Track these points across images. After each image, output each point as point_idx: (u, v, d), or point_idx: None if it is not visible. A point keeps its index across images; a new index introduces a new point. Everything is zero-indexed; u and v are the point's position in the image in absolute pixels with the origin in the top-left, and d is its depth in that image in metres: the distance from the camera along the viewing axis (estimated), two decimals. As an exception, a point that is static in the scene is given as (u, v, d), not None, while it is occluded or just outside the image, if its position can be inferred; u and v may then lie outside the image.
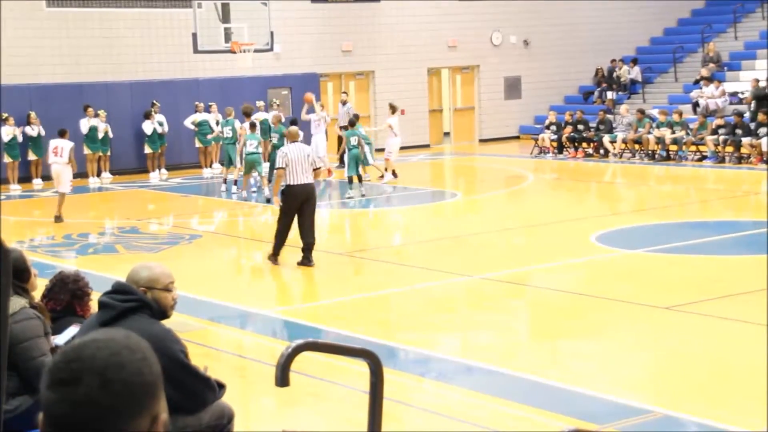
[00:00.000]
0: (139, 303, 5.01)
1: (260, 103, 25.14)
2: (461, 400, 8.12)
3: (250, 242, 16.98)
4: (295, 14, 29.01)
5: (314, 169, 13.57)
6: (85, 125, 24.91)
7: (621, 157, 26.85)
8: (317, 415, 7.93)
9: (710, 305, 10.79)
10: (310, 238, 13.51)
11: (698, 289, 11.62)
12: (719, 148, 24.81)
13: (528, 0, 33.00)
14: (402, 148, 25.61)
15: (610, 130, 27.56)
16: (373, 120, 30.13)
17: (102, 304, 5.04)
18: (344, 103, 26.83)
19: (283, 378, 4.37)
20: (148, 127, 25.82)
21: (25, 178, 24.52)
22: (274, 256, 13.76)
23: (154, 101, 26.32)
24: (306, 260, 13.54)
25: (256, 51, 24.03)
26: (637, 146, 26.76)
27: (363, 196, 20.86)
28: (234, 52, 23.84)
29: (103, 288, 5.26)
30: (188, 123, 26.33)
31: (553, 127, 28.58)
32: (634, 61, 32.66)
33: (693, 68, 31.31)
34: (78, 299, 6.52)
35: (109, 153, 25.72)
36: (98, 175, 25.46)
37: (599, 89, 32.63)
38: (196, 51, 24.05)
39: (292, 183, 13.34)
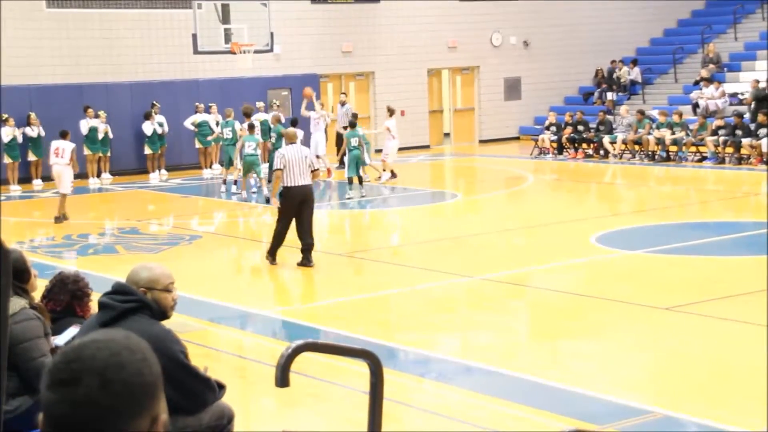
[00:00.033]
0: (139, 304, 5.01)
1: (260, 104, 25.15)
2: (461, 401, 8.12)
3: (250, 243, 16.98)
4: (295, 15, 29.02)
5: (313, 171, 13.56)
6: (85, 126, 24.92)
7: (621, 157, 26.85)
8: (317, 415, 7.93)
9: (710, 306, 10.80)
10: (309, 239, 13.51)
11: (698, 290, 11.63)
12: (719, 149, 24.81)
13: (528, 0, 33.00)
14: (402, 148, 25.62)
15: (610, 130, 27.57)
16: (373, 121, 30.13)
17: (102, 305, 5.04)
18: (343, 103, 26.86)
19: (283, 378, 4.37)
20: (148, 127, 25.83)
21: (25, 179, 24.52)
22: (271, 257, 13.77)
23: (154, 102, 26.32)
24: (306, 261, 13.54)
25: (256, 52, 24.04)
26: (637, 147, 26.77)
27: (363, 196, 20.86)
28: (234, 53, 23.84)
29: (103, 288, 5.26)
30: (188, 124, 26.33)
31: (553, 128, 28.59)
32: (634, 62, 32.66)
33: (693, 69, 31.32)
34: (78, 300, 6.52)
35: (109, 154, 25.72)
36: (98, 175, 25.47)
37: (599, 90, 32.63)
38: (196, 52, 24.07)
39: (289, 185, 13.34)
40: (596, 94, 32.62)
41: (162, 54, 27.25)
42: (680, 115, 26.39)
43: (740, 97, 27.94)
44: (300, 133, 20.78)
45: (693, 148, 25.63)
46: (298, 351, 4.43)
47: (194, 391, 5.13)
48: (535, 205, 20.06)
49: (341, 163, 23.73)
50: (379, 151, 25.06)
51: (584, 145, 28.02)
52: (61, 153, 18.16)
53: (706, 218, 17.86)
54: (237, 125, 22.66)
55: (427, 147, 31.66)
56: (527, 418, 7.59)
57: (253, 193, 21.60)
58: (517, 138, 33.11)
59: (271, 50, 25.20)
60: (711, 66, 30.12)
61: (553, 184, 24.03)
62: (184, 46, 25.88)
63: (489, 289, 12.33)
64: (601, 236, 15.27)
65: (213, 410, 5.30)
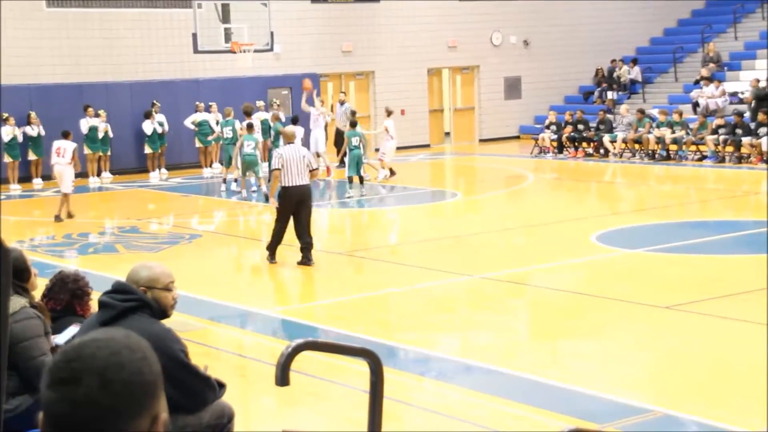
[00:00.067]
0: (139, 302, 5.01)
1: (260, 103, 25.15)
2: (461, 400, 8.12)
3: (250, 242, 16.98)
4: (295, 14, 29.01)
5: (311, 171, 13.55)
6: (85, 125, 24.92)
7: (621, 156, 26.86)
8: (317, 414, 7.94)
9: (710, 305, 10.80)
10: (307, 237, 13.52)
11: (698, 289, 11.63)
12: (719, 147, 24.81)
13: (528, 0, 33.00)
14: (403, 147, 25.60)
15: (610, 129, 27.57)
16: (372, 120, 30.13)
17: (102, 304, 5.04)
18: (342, 103, 26.86)
19: (283, 377, 4.37)
20: (148, 127, 25.83)
21: (25, 178, 24.53)
22: (270, 255, 13.78)
23: (155, 101, 26.32)
24: (306, 260, 13.55)
25: (256, 51, 24.04)
26: (637, 146, 26.77)
27: (363, 195, 20.86)
28: (234, 53, 23.84)
29: (103, 287, 5.26)
30: (188, 123, 26.34)
31: (553, 127, 28.59)
32: (634, 61, 32.66)
33: (693, 68, 31.32)
34: (78, 299, 6.52)
35: (109, 153, 25.73)
36: (98, 174, 25.47)
37: (599, 89, 32.62)
38: (196, 51, 24.06)
39: (287, 184, 13.34)
40: (596, 93, 32.62)
41: (162, 53, 27.26)
42: (680, 114, 26.39)
43: (740, 96, 27.94)
44: (300, 131, 20.82)
45: (693, 147, 25.63)
46: (298, 350, 4.43)
47: (194, 390, 5.13)
48: (535, 204, 20.06)
49: (342, 162, 23.73)
50: (377, 150, 25.05)
51: (584, 144, 28.02)
52: (63, 152, 18.20)
53: (707, 217, 17.85)
54: (237, 124, 22.68)
55: (427, 146, 31.66)
56: (527, 417, 7.59)
57: (253, 192, 21.60)
58: (518, 137, 33.11)
59: (271, 50, 25.20)
60: (711, 65, 30.11)
61: (553, 183, 24.04)
62: (184, 46, 25.88)
63: (489, 288, 12.33)
64: (602, 235, 15.27)
65: (213, 409, 5.30)
